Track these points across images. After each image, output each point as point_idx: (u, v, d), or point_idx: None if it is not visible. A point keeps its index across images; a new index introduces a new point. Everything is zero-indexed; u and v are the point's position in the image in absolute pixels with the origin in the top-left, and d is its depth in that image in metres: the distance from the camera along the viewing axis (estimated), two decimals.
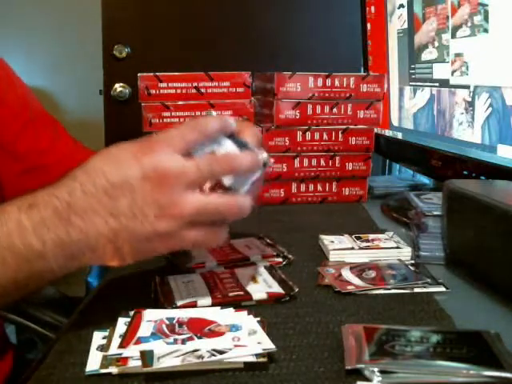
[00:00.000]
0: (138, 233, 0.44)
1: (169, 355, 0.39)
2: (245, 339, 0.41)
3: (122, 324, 0.44)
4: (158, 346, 0.40)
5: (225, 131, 0.48)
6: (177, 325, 0.44)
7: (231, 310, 0.47)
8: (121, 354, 0.39)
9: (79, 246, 0.44)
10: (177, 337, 0.41)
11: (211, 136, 0.47)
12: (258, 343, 0.41)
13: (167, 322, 0.44)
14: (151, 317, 0.45)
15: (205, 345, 0.40)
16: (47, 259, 0.43)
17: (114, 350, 0.40)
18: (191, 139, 0.46)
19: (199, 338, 0.41)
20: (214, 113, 0.61)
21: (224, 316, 0.45)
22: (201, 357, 0.39)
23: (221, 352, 0.39)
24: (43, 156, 0.75)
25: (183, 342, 0.41)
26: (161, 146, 0.45)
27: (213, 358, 0.39)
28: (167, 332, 0.42)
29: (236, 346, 0.40)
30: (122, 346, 0.40)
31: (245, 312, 0.46)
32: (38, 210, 0.44)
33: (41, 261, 0.43)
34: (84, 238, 0.43)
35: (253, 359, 0.39)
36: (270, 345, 0.40)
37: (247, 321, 0.44)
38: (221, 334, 0.42)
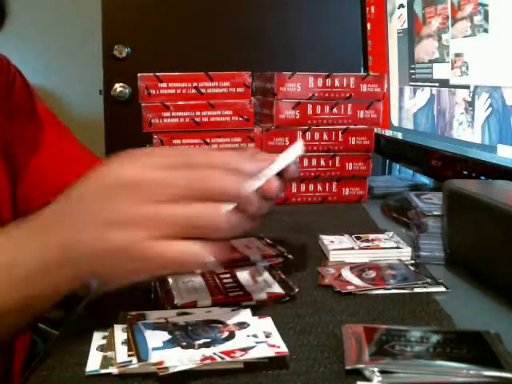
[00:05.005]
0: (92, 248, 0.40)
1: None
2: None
3: (119, 330, 0.43)
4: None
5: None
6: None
7: (247, 310, 0.47)
8: (131, 361, 0.39)
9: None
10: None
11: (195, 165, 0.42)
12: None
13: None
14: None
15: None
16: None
17: (124, 357, 0.39)
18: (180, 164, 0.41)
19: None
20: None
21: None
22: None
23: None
24: (49, 159, 0.75)
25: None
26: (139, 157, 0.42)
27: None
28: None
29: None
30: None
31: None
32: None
33: None
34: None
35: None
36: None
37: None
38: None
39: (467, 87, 0.76)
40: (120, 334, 0.43)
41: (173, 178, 0.40)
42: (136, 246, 0.39)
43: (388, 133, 1.06)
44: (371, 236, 0.67)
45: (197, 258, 0.39)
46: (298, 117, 0.89)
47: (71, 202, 0.43)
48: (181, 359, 0.38)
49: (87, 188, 0.42)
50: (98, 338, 0.43)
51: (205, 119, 0.88)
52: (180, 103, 0.87)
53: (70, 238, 0.41)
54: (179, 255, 0.39)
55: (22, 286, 0.42)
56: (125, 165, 0.42)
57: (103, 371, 0.39)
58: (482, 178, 0.73)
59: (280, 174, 0.45)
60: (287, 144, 0.90)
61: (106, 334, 0.43)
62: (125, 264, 0.40)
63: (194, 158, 0.42)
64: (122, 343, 0.41)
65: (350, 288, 0.54)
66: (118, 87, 1.85)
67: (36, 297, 0.42)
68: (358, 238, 0.66)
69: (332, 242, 0.66)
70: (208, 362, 0.38)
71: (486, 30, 0.70)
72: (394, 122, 1.03)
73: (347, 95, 0.90)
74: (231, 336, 0.42)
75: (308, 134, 0.90)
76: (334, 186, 0.93)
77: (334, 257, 0.63)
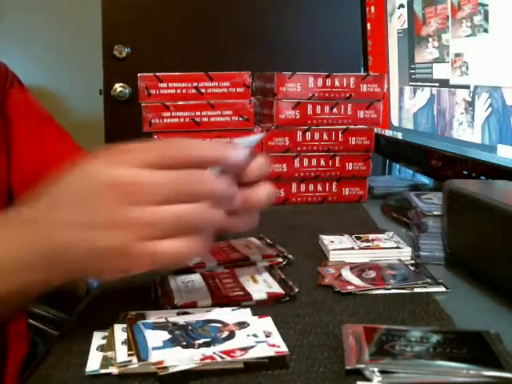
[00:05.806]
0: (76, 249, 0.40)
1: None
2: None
3: (119, 330, 0.43)
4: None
5: (218, 164, 0.42)
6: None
7: (247, 310, 0.47)
8: (131, 361, 0.39)
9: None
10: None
11: (194, 164, 0.41)
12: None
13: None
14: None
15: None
16: None
17: (123, 357, 0.39)
18: (167, 160, 0.40)
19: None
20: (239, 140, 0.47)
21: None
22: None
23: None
24: (46, 162, 0.76)
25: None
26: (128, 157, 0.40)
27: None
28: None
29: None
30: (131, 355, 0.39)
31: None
32: None
33: None
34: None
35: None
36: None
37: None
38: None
39: (467, 87, 0.76)
40: (120, 333, 0.43)
41: (159, 180, 0.39)
42: (122, 247, 0.39)
43: (388, 133, 1.06)
44: (371, 236, 0.67)
45: (182, 257, 0.41)
46: (297, 117, 0.89)
47: (52, 202, 0.41)
48: (181, 359, 0.38)
49: (69, 188, 0.41)
50: (98, 338, 0.43)
51: (205, 119, 0.88)
52: (180, 103, 0.87)
53: (54, 240, 0.40)
54: (165, 256, 0.40)
55: (7, 279, 0.41)
56: (109, 164, 0.40)
57: (103, 371, 0.39)
58: (482, 177, 0.73)
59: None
60: (287, 144, 0.90)
61: (106, 334, 0.43)
62: (113, 264, 0.41)
63: (183, 153, 0.41)
64: (122, 343, 0.41)
65: (349, 288, 0.54)
66: (118, 87, 1.85)
67: (21, 290, 0.42)
68: (358, 238, 0.66)
69: (332, 241, 0.66)
70: (208, 361, 0.38)
71: (486, 30, 0.70)
72: (394, 122, 1.03)
73: (347, 95, 0.90)
74: (231, 336, 0.42)
75: (308, 134, 0.90)
76: (334, 186, 0.93)
77: (333, 257, 0.63)
